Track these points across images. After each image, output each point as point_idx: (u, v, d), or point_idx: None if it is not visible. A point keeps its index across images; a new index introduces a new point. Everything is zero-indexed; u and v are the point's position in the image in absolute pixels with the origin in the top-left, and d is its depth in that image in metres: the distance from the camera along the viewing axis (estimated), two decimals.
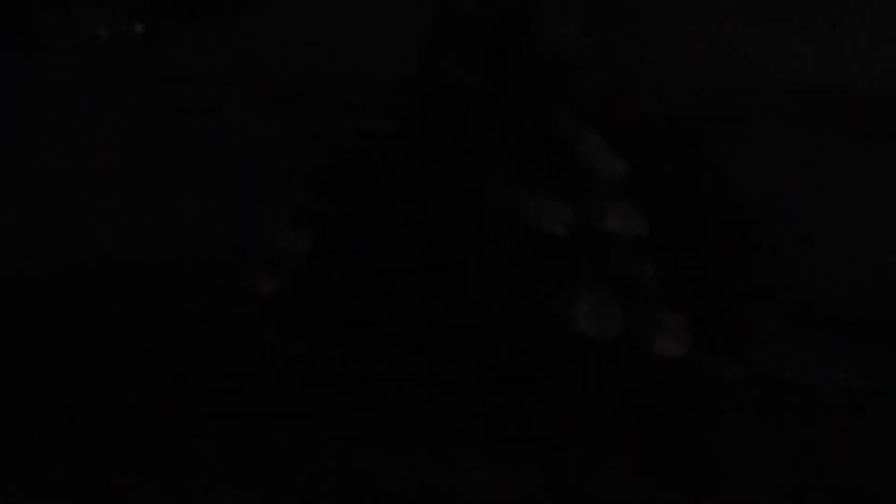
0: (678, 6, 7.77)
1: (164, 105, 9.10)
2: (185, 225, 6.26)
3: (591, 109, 4.75)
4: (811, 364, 5.04)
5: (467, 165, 4.65)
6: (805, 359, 5.03)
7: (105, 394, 5.34)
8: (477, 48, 4.90)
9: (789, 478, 4.68)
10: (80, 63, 10.42)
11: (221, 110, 9.05)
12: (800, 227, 4.92)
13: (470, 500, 4.70)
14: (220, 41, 11.31)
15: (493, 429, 4.80)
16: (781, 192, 5.11)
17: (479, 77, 4.85)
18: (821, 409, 4.96)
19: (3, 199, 6.76)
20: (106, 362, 5.49)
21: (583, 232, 4.61)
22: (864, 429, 4.92)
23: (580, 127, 4.61)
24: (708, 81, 6.85)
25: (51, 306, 6.07)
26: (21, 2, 10.03)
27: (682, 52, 5.46)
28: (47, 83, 9.86)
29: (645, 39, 5.16)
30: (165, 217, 6.44)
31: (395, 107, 4.94)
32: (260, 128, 8.02)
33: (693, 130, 4.99)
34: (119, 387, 5.33)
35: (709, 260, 4.77)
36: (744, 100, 8.24)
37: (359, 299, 4.88)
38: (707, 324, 4.77)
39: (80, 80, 9.96)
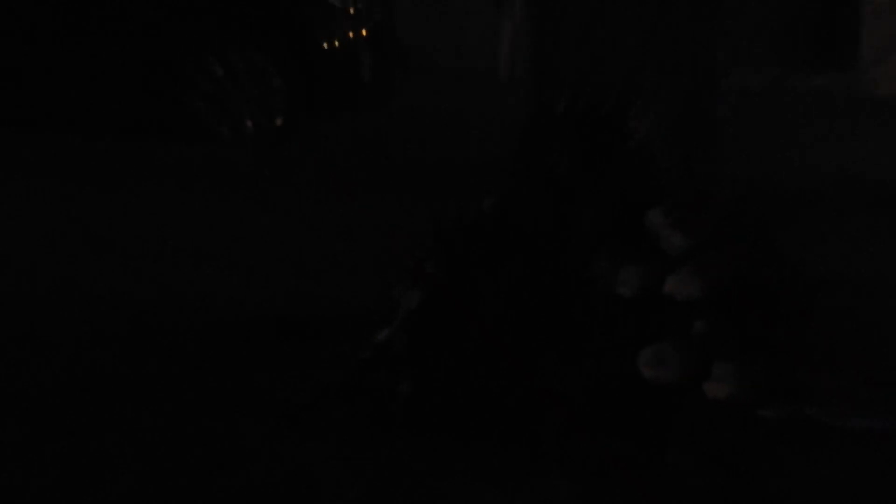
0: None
1: (301, 188, 9.42)
2: (319, 287, 6.37)
3: (659, 190, 4.94)
4: (843, 410, 5.04)
5: (556, 238, 4.82)
6: (838, 405, 5.04)
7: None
8: (566, 140, 5.02)
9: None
10: (231, 149, 10.77)
11: (352, 192, 9.33)
12: (837, 296, 5.10)
13: None
14: (351, 134, 11.72)
15: (572, 458, 4.72)
16: (819, 267, 5.26)
17: (568, 163, 5.02)
18: (849, 448, 4.96)
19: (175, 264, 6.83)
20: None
21: (647, 294, 4.70)
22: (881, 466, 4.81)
23: (649, 205, 4.70)
24: (760, 173, 7.01)
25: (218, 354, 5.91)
26: (195, 97, 10.52)
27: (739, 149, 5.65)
28: (204, 165, 10.16)
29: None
30: (303, 280, 6.70)
31: (498, 188, 5.15)
32: (384, 208, 8.25)
33: (746, 214, 5.19)
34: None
35: (759, 320, 4.75)
36: (790, 189, 8.44)
37: (458, 347, 4.94)
38: (752, 372, 4.75)
39: (231, 163, 10.32)
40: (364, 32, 11.20)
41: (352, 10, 11.17)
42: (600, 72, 5.13)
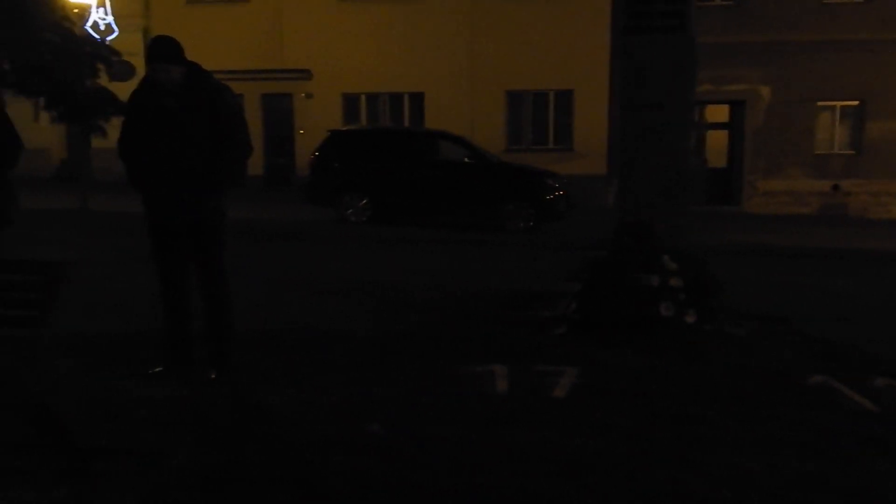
0: None
1: (534, 248, 9.62)
2: (536, 283, 6.15)
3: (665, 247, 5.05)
4: (734, 325, 5.10)
5: (635, 268, 4.94)
6: (732, 324, 5.10)
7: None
8: (631, 233, 5.17)
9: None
10: (512, 235, 10.84)
11: (553, 249, 9.45)
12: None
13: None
14: (555, 229, 11.72)
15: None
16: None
17: (633, 241, 5.13)
18: (735, 342, 4.81)
19: None
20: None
21: (664, 284, 4.81)
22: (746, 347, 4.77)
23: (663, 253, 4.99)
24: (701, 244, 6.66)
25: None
26: (503, 215, 11.11)
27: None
28: (498, 240, 10.30)
29: None
30: (528, 281, 6.45)
31: (609, 249, 5.28)
32: (566, 256, 8.22)
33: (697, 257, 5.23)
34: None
35: (702, 293, 4.91)
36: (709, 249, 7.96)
37: (594, 302, 4.96)
38: (702, 312, 4.84)
39: (510, 239, 10.46)
40: (561, 193, 11.72)
41: (557, 185, 11.66)
42: (642, 208, 5.30)
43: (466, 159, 11.82)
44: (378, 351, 4.41)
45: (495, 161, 12.47)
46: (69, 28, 10.18)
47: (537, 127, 17.56)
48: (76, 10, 10.48)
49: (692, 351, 4.52)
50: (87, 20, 10.87)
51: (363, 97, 17.86)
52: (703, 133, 17.86)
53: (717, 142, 17.82)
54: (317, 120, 16.89)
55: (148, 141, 3.56)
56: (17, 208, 3.65)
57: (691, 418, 3.39)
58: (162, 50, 3.48)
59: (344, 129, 14.43)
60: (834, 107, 17.12)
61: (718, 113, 17.53)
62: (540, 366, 4.14)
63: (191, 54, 3.63)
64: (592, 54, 16.46)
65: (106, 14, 11.30)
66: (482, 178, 11.76)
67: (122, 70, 11.87)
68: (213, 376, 3.75)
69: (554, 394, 3.70)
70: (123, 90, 10.83)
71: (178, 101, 3.52)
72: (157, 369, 3.77)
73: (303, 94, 17.83)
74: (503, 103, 17.33)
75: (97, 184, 12.66)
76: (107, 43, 11.28)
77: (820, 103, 17.01)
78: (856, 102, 16.96)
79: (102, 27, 11.19)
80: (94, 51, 10.49)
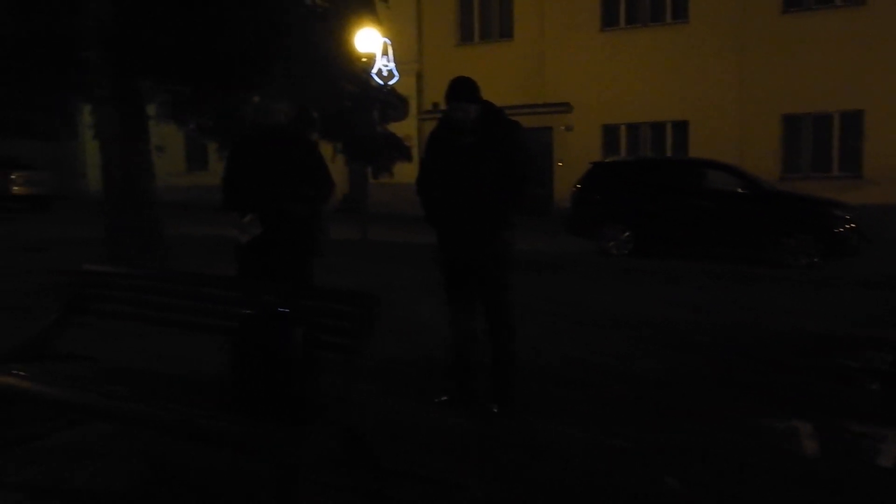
0: None
1: (833, 284, 8.51)
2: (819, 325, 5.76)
3: None
4: None
5: None
6: None
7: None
8: None
9: None
10: (794, 269, 9.78)
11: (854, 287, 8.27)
12: None
13: None
14: (845, 265, 10.37)
15: None
16: None
17: None
18: None
19: None
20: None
21: None
22: None
23: None
24: None
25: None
26: (780, 249, 10.05)
27: None
28: (782, 277, 9.32)
29: None
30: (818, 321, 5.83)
31: None
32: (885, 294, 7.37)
33: None
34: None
35: None
36: None
37: None
38: None
39: (795, 275, 9.42)
40: (853, 225, 10.56)
41: (848, 216, 10.64)
42: None
43: (739, 189, 11.13)
44: (661, 393, 4.29)
45: (773, 190, 11.61)
46: (365, 79, 11.42)
47: (818, 152, 16.03)
48: (364, 60, 11.79)
49: None
50: (372, 68, 12.23)
51: (623, 128, 17.70)
52: None
53: None
54: (576, 152, 17.11)
55: (444, 177, 3.71)
56: (327, 240, 3.99)
57: None
58: (460, 90, 3.61)
59: (607, 160, 14.38)
60: None
61: None
62: (853, 426, 3.75)
63: None
64: (889, 68, 14.73)
65: (388, 61, 12.51)
66: (757, 208, 10.98)
67: (399, 112, 13.00)
68: (496, 410, 3.76)
69: (878, 462, 3.31)
70: (395, 129, 11.97)
71: (473, 138, 3.63)
72: (443, 398, 3.89)
73: (563, 127, 18.15)
74: (778, 128, 16.13)
75: (374, 216, 13.69)
76: (389, 87, 12.58)
77: None
78: None
79: (385, 73, 12.38)
80: (383, 98, 11.61)
